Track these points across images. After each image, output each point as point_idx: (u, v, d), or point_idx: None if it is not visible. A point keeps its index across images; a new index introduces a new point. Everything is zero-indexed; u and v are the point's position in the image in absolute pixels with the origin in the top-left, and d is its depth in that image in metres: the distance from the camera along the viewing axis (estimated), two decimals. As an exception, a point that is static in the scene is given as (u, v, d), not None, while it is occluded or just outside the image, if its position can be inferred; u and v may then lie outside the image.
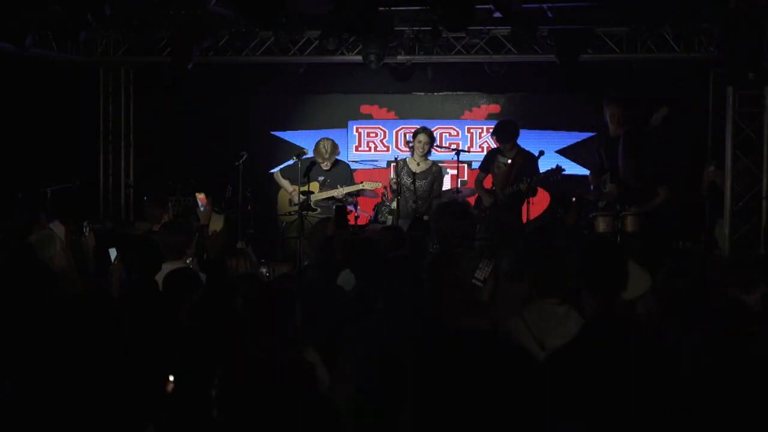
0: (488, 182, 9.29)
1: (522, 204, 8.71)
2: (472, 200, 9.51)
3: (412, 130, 9.61)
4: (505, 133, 9.08)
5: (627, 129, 8.68)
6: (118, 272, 5.63)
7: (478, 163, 10.25)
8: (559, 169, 8.68)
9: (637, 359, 2.89)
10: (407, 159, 9.27)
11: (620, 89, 9.57)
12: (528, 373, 1.78)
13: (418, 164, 9.20)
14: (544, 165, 9.02)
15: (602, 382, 2.88)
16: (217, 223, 6.10)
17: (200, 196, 7.64)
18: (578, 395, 2.83)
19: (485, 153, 10.18)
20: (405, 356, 3.62)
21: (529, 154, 9.03)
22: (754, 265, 4.56)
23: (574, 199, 8.92)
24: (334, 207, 8.17)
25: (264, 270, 5.66)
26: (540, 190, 9.22)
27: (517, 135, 9.11)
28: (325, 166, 9.37)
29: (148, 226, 7.17)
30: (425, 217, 8.52)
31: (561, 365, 2.95)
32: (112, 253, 5.95)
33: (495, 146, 9.48)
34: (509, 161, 8.97)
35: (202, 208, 7.55)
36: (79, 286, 5.70)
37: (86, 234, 6.16)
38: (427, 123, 10.64)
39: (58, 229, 6.30)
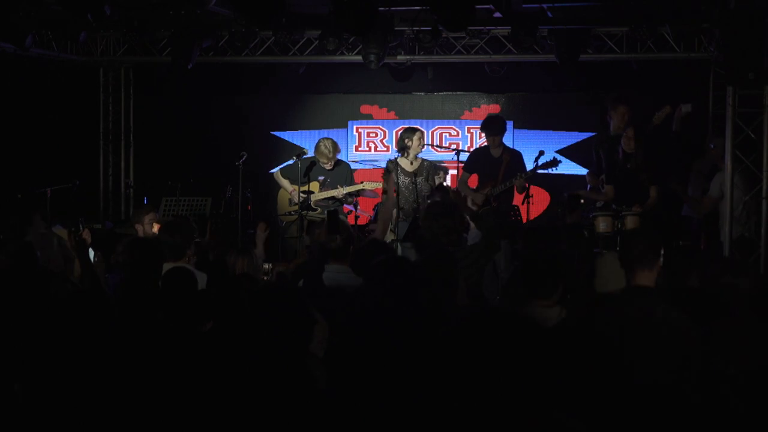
0: (472, 182, 9.14)
1: (511, 201, 8.63)
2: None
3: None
4: (493, 127, 8.92)
5: (635, 125, 8.67)
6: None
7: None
8: (555, 161, 8.60)
9: None
10: (398, 159, 9.07)
11: (620, 89, 9.57)
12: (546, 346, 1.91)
13: (411, 163, 9.10)
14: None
15: None
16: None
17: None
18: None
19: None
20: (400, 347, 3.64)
21: (515, 151, 8.96)
22: None
23: (582, 201, 8.82)
24: (326, 212, 8.09)
25: (266, 266, 5.64)
26: (540, 190, 9.17)
27: (504, 130, 8.97)
28: (329, 166, 9.29)
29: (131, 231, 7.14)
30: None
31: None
32: (90, 253, 5.94)
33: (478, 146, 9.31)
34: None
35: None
36: (87, 285, 5.69)
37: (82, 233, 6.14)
38: (427, 123, 10.64)
39: (60, 232, 6.26)
